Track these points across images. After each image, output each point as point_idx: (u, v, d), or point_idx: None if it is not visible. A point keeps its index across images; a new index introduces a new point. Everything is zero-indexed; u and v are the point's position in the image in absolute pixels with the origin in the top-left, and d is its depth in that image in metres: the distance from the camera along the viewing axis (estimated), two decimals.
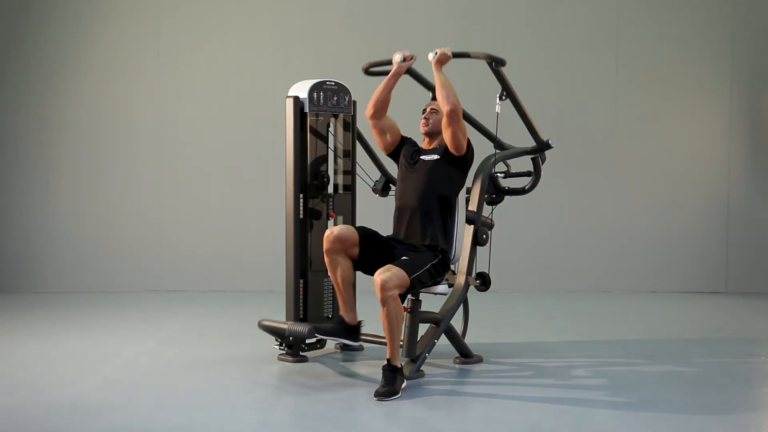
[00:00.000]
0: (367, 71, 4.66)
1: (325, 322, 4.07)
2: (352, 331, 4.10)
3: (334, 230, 4.06)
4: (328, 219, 4.72)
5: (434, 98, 4.37)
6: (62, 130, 7.11)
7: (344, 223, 4.78)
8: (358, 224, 4.88)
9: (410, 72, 4.44)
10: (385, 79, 4.33)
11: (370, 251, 4.08)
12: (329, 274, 4.12)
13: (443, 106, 4.13)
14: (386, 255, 4.08)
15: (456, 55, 4.29)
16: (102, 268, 7.10)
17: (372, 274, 3.94)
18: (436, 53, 4.23)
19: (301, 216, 4.59)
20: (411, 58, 4.32)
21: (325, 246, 4.06)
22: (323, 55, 7.05)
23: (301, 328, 4.13)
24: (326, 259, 4.08)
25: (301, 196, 4.59)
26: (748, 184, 7.16)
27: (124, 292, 7.00)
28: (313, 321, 4.48)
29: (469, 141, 4.24)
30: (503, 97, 4.34)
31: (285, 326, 4.31)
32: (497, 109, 4.32)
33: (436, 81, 4.20)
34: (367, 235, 4.12)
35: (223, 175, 7.15)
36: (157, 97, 7.11)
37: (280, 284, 5.02)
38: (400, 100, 4.58)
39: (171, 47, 7.10)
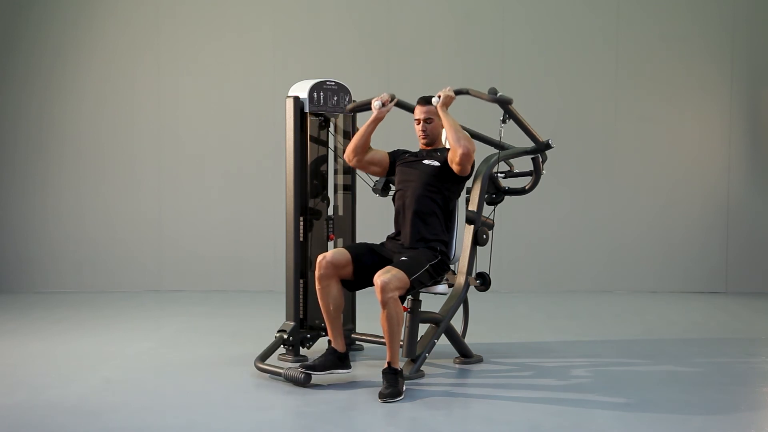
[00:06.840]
0: (351, 111, 4.68)
1: (316, 358, 4.05)
2: (343, 358, 4.09)
3: (326, 256, 4.02)
4: (328, 241, 4.71)
5: (419, 102, 4.33)
6: (62, 130, 7.11)
7: (344, 237, 4.79)
8: (357, 223, 4.90)
9: (398, 104, 4.41)
10: (365, 125, 4.30)
11: (366, 264, 4.03)
12: (320, 301, 4.05)
13: (456, 149, 4.09)
14: (383, 263, 4.04)
15: (458, 93, 4.29)
16: (102, 268, 7.10)
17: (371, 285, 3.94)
18: (439, 97, 4.22)
19: (301, 216, 4.60)
20: (390, 101, 4.27)
21: (317, 272, 4.00)
22: (323, 55, 7.04)
23: (297, 374, 4.01)
24: (318, 286, 4.02)
25: (301, 195, 4.59)
26: (748, 184, 7.16)
27: (124, 292, 7.00)
28: (304, 361, 4.32)
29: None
30: (506, 121, 4.36)
31: (281, 371, 4.13)
32: (500, 134, 4.39)
33: (445, 124, 4.18)
34: (359, 250, 4.07)
35: (223, 175, 7.14)
36: (157, 97, 7.11)
37: (280, 284, 5.03)
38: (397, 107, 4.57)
39: (171, 47, 7.10)
